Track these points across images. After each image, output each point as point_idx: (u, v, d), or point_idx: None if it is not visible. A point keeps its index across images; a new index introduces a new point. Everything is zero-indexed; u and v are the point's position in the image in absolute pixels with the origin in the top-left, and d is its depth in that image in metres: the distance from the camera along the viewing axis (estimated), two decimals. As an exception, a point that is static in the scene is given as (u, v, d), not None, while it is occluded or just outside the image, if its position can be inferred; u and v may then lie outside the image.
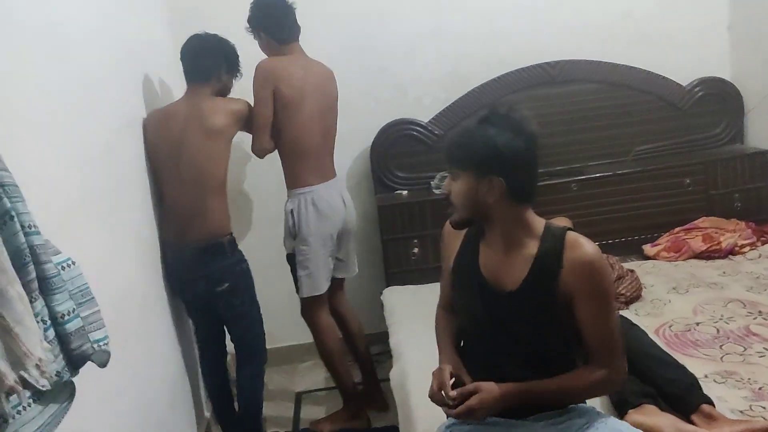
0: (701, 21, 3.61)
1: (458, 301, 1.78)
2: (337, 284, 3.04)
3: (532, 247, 1.63)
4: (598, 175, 3.43)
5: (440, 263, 1.86)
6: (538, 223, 1.67)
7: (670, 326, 2.58)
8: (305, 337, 3.60)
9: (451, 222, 1.69)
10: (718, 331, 2.49)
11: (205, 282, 2.54)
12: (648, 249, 3.39)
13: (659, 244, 3.38)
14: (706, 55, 3.63)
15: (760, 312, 2.59)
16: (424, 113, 3.54)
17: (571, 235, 1.61)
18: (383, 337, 2.98)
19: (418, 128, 3.52)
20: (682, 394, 1.92)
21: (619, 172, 3.43)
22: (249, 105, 2.67)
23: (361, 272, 3.36)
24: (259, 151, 2.71)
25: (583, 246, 1.58)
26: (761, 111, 3.45)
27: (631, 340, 2.08)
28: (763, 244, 3.27)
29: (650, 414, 1.83)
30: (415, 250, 3.36)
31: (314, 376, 3.60)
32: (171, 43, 3.01)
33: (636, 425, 1.70)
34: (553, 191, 3.38)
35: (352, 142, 3.48)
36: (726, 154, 3.52)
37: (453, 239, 1.77)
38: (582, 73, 3.53)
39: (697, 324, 2.57)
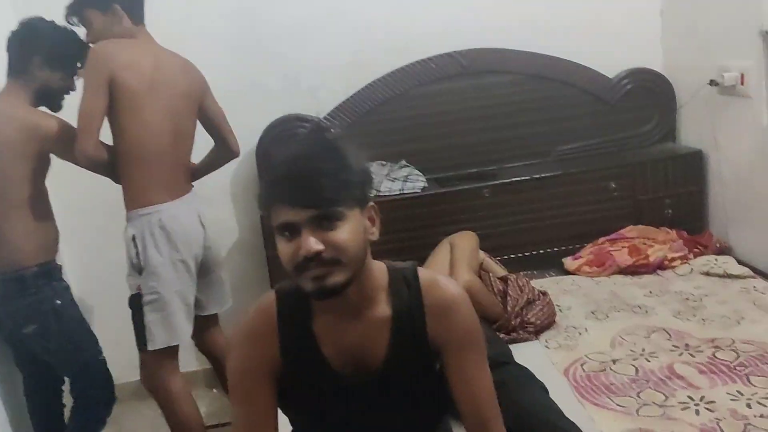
0: (630, 5, 3.22)
1: (302, 423, 1.34)
2: (208, 322, 2.54)
3: (383, 306, 1.24)
4: (513, 179, 3.02)
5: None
6: (379, 266, 1.27)
7: (582, 364, 2.20)
8: (187, 364, 3.18)
9: (332, 288, 1.14)
10: (637, 371, 2.11)
11: (11, 322, 2.05)
12: (569, 263, 3.00)
13: (581, 257, 3.00)
14: (635, 43, 3.24)
15: (687, 345, 2.23)
16: (319, 108, 3.08)
17: (425, 274, 1.28)
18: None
19: (309, 126, 3.07)
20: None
21: (538, 175, 3.03)
22: (64, 125, 2.15)
23: (245, 291, 2.94)
24: (81, 158, 2.08)
25: (442, 285, 1.26)
26: (695, 106, 3.08)
27: (524, 401, 1.69)
28: (695, 257, 2.92)
29: None
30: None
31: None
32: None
33: None
34: (463, 198, 2.97)
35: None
36: (656, 155, 3.15)
37: (260, 341, 1.25)
38: (497, 63, 3.11)
39: (614, 361, 2.18)
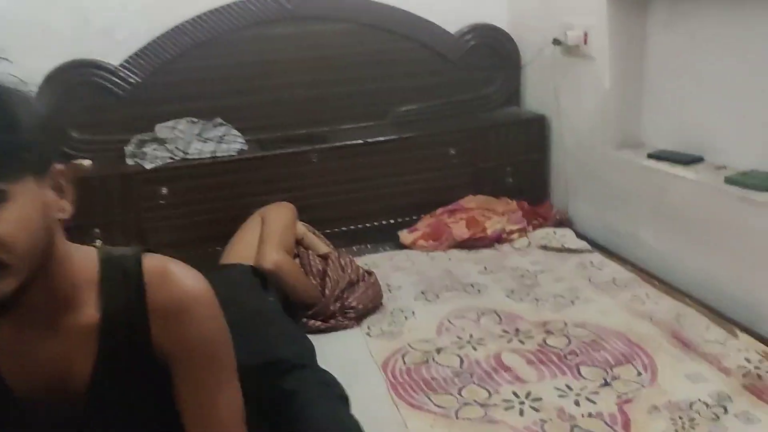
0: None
1: None
2: None
3: (90, 308, 0.88)
4: (345, 142, 2.69)
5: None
6: (84, 254, 0.91)
7: (404, 355, 1.93)
8: None
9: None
10: (462, 362, 1.87)
11: None
12: (404, 235, 2.74)
13: (417, 230, 2.74)
14: (480, -4, 2.99)
15: (517, 330, 2.01)
16: (116, 53, 2.58)
17: (153, 264, 0.91)
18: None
19: (104, 74, 2.57)
20: None
21: (372, 139, 2.71)
22: None
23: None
24: None
25: (176, 279, 0.91)
26: (539, 67, 2.87)
27: (312, 419, 1.38)
28: (534, 229, 2.73)
29: None
30: (98, 242, 2.44)
31: None
32: None
33: None
34: (287, 163, 2.61)
35: None
36: (499, 119, 2.93)
37: None
38: (326, 9, 2.75)
39: (438, 350, 1.93)
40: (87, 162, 2.54)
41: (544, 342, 1.93)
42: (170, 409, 0.92)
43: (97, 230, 2.44)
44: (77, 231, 2.35)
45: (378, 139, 2.72)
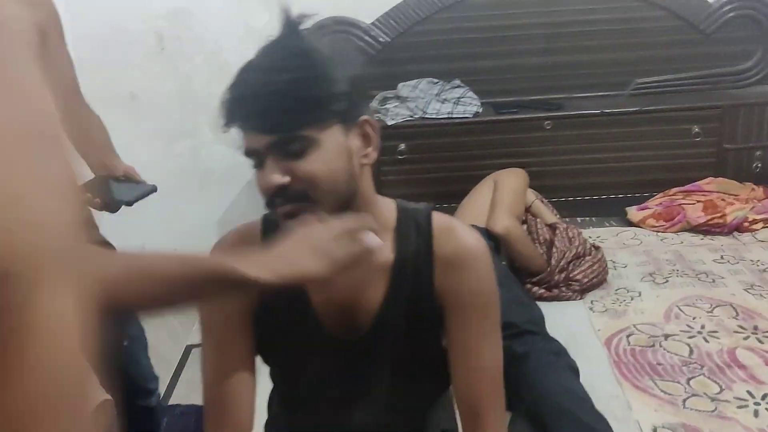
0: None
1: (276, 376, 1.14)
2: None
3: (387, 248, 1.00)
4: (580, 112, 2.65)
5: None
6: (386, 203, 1.04)
7: (629, 335, 1.91)
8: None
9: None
10: (691, 352, 1.82)
11: None
12: (633, 213, 2.66)
13: (648, 208, 2.65)
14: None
15: (756, 328, 1.90)
16: (366, 12, 2.74)
17: (441, 219, 1.04)
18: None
19: (358, 32, 2.75)
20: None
21: (609, 110, 2.64)
22: None
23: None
24: None
25: (459, 234, 1.02)
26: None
27: (547, 381, 1.43)
28: (781, 220, 2.53)
29: None
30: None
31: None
32: None
33: None
34: (520, 128, 2.64)
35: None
36: (752, 98, 2.70)
37: None
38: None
39: (666, 337, 1.89)
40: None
41: (787, 345, 1.81)
42: (437, 350, 1.03)
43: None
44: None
45: (615, 110, 2.65)
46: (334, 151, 0.90)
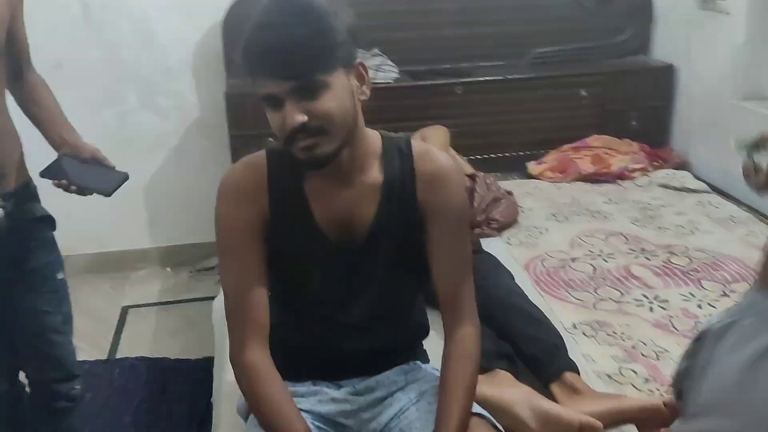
0: None
1: (284, 283, 1.30)
2: None
3: (376, 171, 1.24)
4: (486, 78, 2.99)
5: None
6: (372, 133, 1.25)
7: (542, 261, 2.25)
8: (140, 242, 3.15)
9: (322, 158, 1.13)
10: (594, 270, 2.18)
11: None
12: (532, 167, 3.03)
13: (545, 162, 3.02)
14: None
15: (643, 249, 2.30)
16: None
17: (419, 144, 1.28)
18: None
19: None
20: (544, 357, 1.57)
21: (510, 77, 3.00)
22: None
23: (205, 173, 2.89)
24: None
25: (435, 156, 1.26)
26: (673, 18, 3.06)
27: (491, 285, 1.72)
28: (655, 170, 2.98)
29: (501, 384, 1.48)
30: (270, 139, 2.85)
31: (147, 286, 3.10)
32: None
33: (481, 400, 1.35)
34: (435, 93, 2.93)
35: (198, 12, 2.88)
36: (628, 66, 3.16)
37: (250, 196, 1.22)
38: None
39: (573, 260, 2.25)
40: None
41: (668, 260, 2.22)
42: (418, 257, 1.27)
43: (270, 139, 2.83)
44: (256, 139, 2.76)
45: (516, 76, 3.01)
46: (342, 91, 1.11)
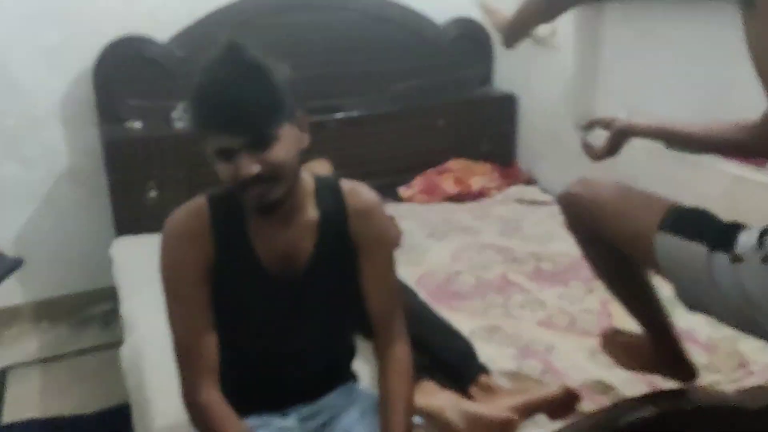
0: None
1: (226, 320, 1.37)
2: None
3: (311, 210, 1.37)
4: (357, 113, 3.22)
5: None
6: (306, 175, 1.39)
7: (431, 276, 2.49)
8: (11, 298, 3.01)
9: (273, 203, 1.26)
10: (477, 279, 2.45)
11: None
12: (403, 191, 3.29)
13: (413, 186, 3.30)
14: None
15: (514, 258, 2.61)
16: (162, 29, 2.97)
17: (346, 182, 1.43)
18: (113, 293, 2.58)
19: (154, 48, 2.96)
20: (458, 364, 1.79)
21: (375, 112, 3.25)
22: None
23: (81, 221, 2.86)
24: None
25: (361, 192, 1.42)
26: (511, 54, 3.45)
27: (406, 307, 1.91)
28: (508, 186, 3.35)
29: (429, 393, 1.66)
30: (152, 193, 2.86)
31: (25, 344, 2.96)
32: None
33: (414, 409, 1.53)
34: (309, 129, 3.08)
35: (65, 61, 2.85)
36: (476, 97, 3.53)
37: (194, 240, 1.31)
38: (340, 1, 3.23)
39: (457, 273, 2.50)
40: (138, 124, 2.94)
41: (537, 266, 2.54)
42: (355, 285, 1.43)
43: (152, 182, 2.86)
44: (136, 183, 2.80)
45: (380, 111, 3.26)
46: (289, 141, 1.26)
